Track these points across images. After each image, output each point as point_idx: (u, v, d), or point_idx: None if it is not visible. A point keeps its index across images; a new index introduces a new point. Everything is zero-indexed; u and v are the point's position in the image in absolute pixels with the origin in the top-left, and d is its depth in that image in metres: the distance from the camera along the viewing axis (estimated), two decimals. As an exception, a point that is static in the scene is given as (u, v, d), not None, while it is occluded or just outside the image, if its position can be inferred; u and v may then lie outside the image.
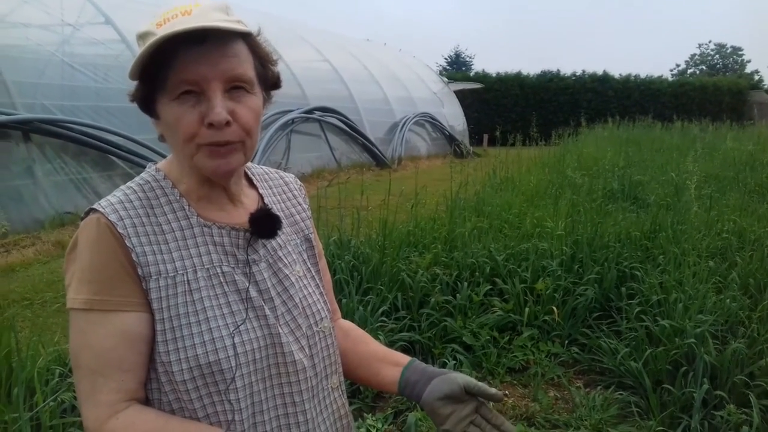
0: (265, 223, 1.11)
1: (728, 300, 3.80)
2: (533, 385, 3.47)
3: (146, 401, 1.03)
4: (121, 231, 0.99)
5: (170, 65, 0.97)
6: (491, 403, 1.22)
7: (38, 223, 7.37)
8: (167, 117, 1.00)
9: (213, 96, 0.97)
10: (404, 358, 1.28)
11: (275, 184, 1.28)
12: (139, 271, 0.99)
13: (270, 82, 1.11)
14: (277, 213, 1.18)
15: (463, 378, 1.18)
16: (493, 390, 1.18)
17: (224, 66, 0.98)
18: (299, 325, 1.11)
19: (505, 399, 3.39)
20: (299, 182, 1.35)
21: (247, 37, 1.03)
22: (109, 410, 0.97)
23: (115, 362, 0.97)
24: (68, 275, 1.01)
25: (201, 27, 0.94)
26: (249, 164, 1.24)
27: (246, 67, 1.02)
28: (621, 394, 3.33)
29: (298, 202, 1.29)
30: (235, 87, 1.00)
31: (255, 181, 1.23)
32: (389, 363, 1.27)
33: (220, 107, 0.97)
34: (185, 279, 1.01)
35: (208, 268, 1.04)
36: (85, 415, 0.98)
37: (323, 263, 1.32)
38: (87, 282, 0.98)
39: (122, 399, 0.98)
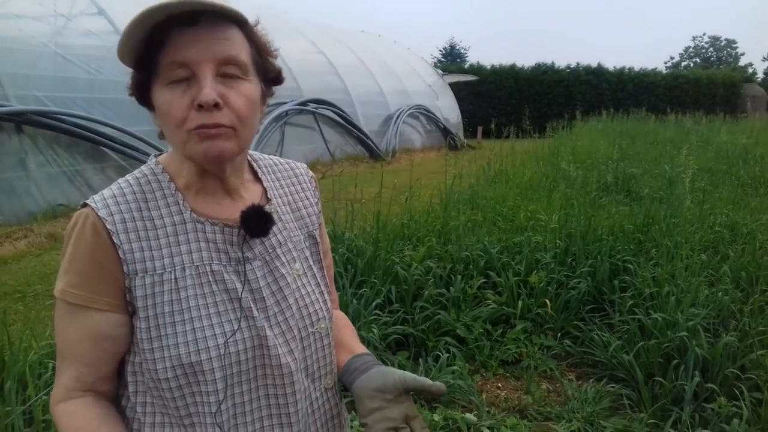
0: (256, 222, 1.07)
1: (720, 293, 3.82)
2: (526, 378, 3.49)
3: (123, 398, 1.06)
4: (110, 227, 0.98)
5: (162, 48, 0.95)
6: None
7: (31, 215, 7.35)
8: (159, 103, 0.98)
9: (203, 77, 0.95)
10: (362, 349, 1.23)
11: (284, 176, 1.23)
12: (125, 268, 0.98)
13: (270, 75, 1.09)
14: (281, 207, 1.16)
15: (402, 373, 1.09)
16: (435, 383, 1.09)
17: (216, 48, 0.96)
18: (291, 326, 1.09)
19: (498, 392, 3.41)
20: (311, 173, 1.30)
21: (243, 25, 1.02)
22: (65, 394, 1.03)
23: (77, 354, 1.02)
24: None
25: (192, 0, 0.93)
26: (256, 155, 1.21)
27: (240, 50, 0.99)
28: (613, 387, 3.35)
29: (306, 196, 1.25)
30: (228, 74, 0.98)
31: (261, 174, 1.18)
32: (346, 351, 1.22)
33: (209, 88, 0.94)
34: (173, 277, 1.00)
35: (197, 266, 1.02)
36: (53, 388, 1.05)
37: (329, 260, 1.29)
38: (65, 273, 1.00)
39: (78, 388, 1.02)
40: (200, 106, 0.95)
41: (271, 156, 1.27)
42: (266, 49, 1.07)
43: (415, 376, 1.09)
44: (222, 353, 1.00)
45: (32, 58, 8.53)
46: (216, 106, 0.95)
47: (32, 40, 8.66)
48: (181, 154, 1.03)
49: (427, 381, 1.08)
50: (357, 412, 1.09)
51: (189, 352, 0.98)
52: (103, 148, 8.49)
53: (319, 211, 1.27)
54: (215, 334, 1.00)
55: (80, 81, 8.80)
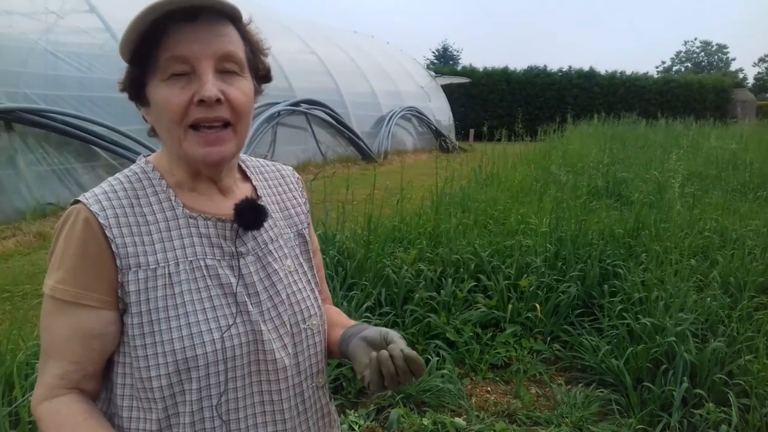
0: (250, 214, 1.08)
1: (709, 299, 3.83)
2: (515, 382, 3.49)
3: (107, 401, 1.06)
4: (102, 221, 0.98)
5: (161, 43, 0.96)
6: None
7: (19, 213, 7.28)
8: (156, 98, 0.99)
9: (204, 73, 0.96)
10: (355, 323, 1.23)
11: (271, 177, 1.25)
12: (118, 262, 0.98)
13: (261, 72, 1.10)
14: (271, 206, 1.17)
15: (396, 334, 1.08)
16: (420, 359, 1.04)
17: (216, 44, 0.98)
18: (284, 321, 1.10)
19: (487, 396, 3.41)
20: (297, 175, 1.32)
21: (238, 22, 1.03)
22: (48, 393, 1.01)
23: (64, 352, 1.00)
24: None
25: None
26: (243, 157, 1.22)
27: (237, 47, 1.01)
28: (602, 392, 3.35)
29: (294, 196, 1.27)
30: (226, 70, 0.99)
31: (249, 174, 1.20)
32: (339, 327, 1.22)
33: (211, 83, 0.96)
34: (166, 272, 1.00)
35: (191, 261, 1.02)
36: (34, 388, 1.04)
37: (318, 260, 1.30)
38: (55, 269, 1.00)
39: (63, 386, 1.01)
40: (201, 101, 0.96)
41: (257, 158, 1.28)
42: (259, 47, 1.09)
43: (406, 345, 1.05)
44: (218, 348, 1.00)
45: (23, 55, 8.46)
46: (217, 101, 0.97)
47: (23, 37, 8.59)
48: (176, 152, 1.03)
49: (415, 353, 1.03)
50: (355, 371, 1.09)
51: (184, 347, 0.98)
52: (93, 146, 8.42)
53: (308, 211, 1.29)
54: (211, 329, 1.00)
55: (71, 79, 8.74)
